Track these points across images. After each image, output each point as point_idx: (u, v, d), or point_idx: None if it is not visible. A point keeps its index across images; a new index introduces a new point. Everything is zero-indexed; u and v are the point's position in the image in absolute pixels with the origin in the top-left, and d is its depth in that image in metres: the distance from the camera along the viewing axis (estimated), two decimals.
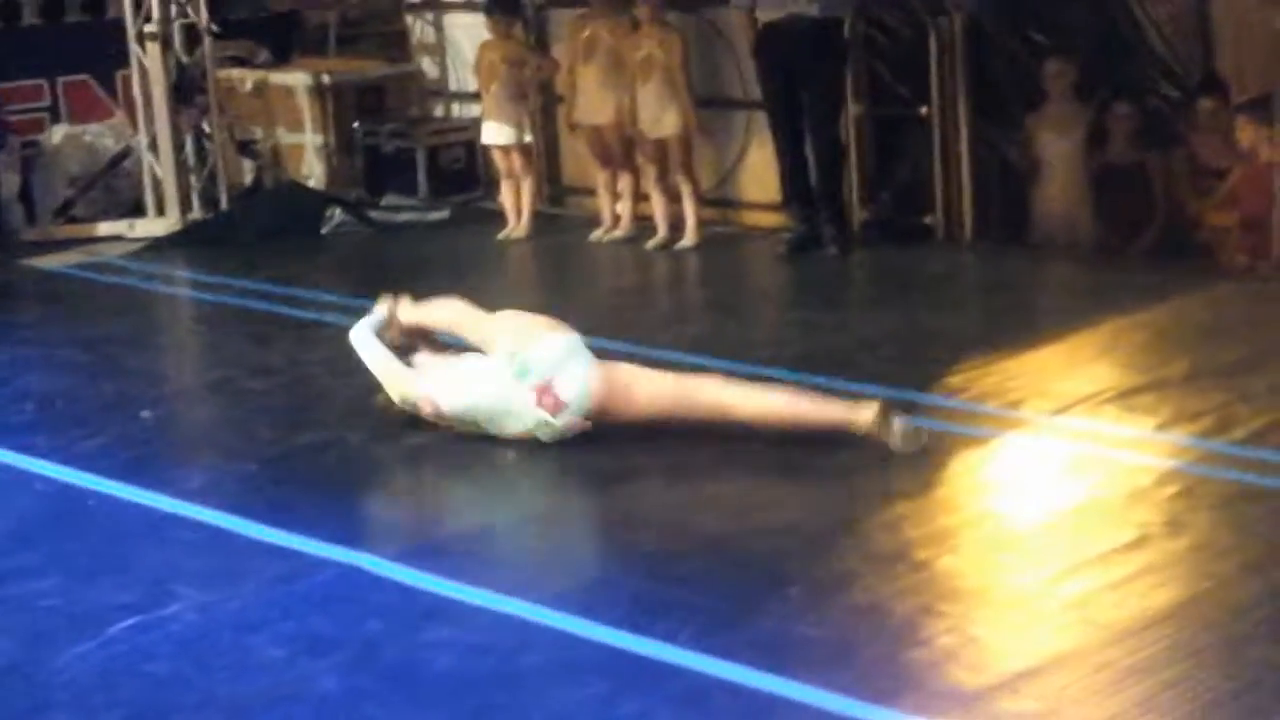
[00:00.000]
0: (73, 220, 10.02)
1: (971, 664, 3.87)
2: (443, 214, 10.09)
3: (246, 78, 10.70)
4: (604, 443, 5.65)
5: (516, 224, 9.42)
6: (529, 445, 5.47)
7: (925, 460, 5.30)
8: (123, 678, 3.99)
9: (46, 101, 10.55)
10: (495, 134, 9.34)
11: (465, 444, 5.62)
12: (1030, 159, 8.44)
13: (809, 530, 4.76)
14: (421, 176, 10.29)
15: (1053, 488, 5.04)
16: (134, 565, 4.77)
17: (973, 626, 4.09)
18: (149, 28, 9.64)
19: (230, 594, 4.47)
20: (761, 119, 8.87)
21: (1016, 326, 6.94)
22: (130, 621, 4.30)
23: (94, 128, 10.36)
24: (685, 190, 8.84)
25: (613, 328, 7.16)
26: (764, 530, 4.77)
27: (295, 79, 10.62)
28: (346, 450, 5.68)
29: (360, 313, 7.43)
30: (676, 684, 3.82)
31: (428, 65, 11.01)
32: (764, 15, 8.33)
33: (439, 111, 10.99)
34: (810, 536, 4.71)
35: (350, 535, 4.79)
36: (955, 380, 6.13)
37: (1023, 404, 5.81)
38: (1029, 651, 3.91)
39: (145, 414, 6.20)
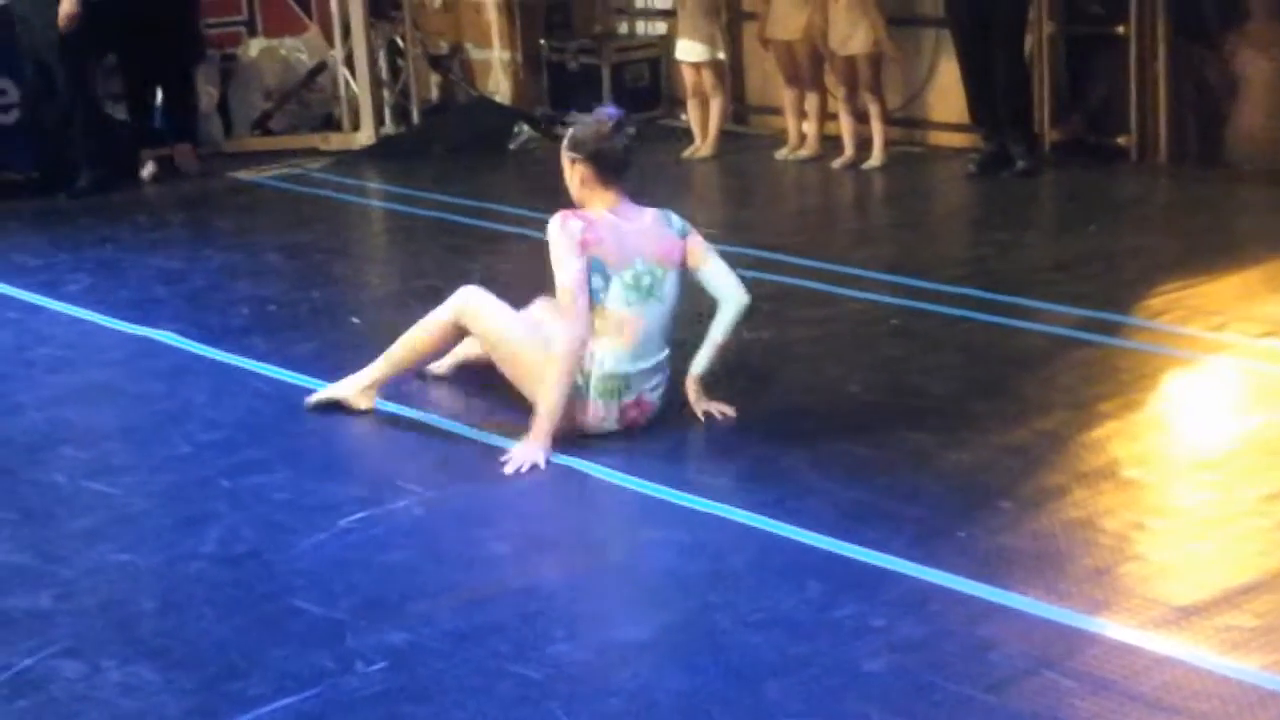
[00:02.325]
0: (269, 133, 10.30)
1: (1187, 579, 3.90)
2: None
3: None
4: (802, 359, 5.75)
5: (702, 142, 9.49)
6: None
7: (1130, 381, 5.31)
8: (357, 566, 4.17)
9: (243, 15, 10.80)
10: (688, 50, 9.40)
11: None
12: (1229, 78, 8.29)
13: (1015, 446, 4.80)
14: (606, 93, 10.38)
15: (1260, 410, 5.01)
16: (358, 462, 4.97)
17: (1186, 543, 4.11)
18: None
19: (453, 492, 4.63)
20: (949, 37, 8.81)
21: (1215, 249, 6.87)
22: (360, 515, 4.48)
23: (289, 42, 10.60)
24: (873, 109, 8.84)
25: (802, 247, 7.23)
26: (969, 445, 4.82)
27: None
28: None
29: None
30: (893, 588, 3.90)
31: None
32: None
33: (624, 29, 11.07)
34: (1017, 453, 4.75)
35: (562, 441, 4.91)
36: (1156, 302, 6.10)
37: (1226, 327, 5.78)
38: (1245, 569, 3.93)
39: (355, 320, 6.42)
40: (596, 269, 4.89)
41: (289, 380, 5.66)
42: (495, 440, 4.97)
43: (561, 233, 4.91)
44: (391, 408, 5.30)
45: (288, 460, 4.93)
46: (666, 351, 5.04)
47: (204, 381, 5.74)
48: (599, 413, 4.93)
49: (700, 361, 5.09)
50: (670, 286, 4.98)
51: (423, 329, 5.19)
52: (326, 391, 5.31)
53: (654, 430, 5.05)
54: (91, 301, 6.77)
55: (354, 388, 5.26)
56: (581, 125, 5.06)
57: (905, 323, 6.11)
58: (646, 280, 4.93)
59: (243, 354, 5.96)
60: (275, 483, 4.75)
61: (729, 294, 5.05)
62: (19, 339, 6.33)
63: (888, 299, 6.39)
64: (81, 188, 8.87)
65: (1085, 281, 6.45)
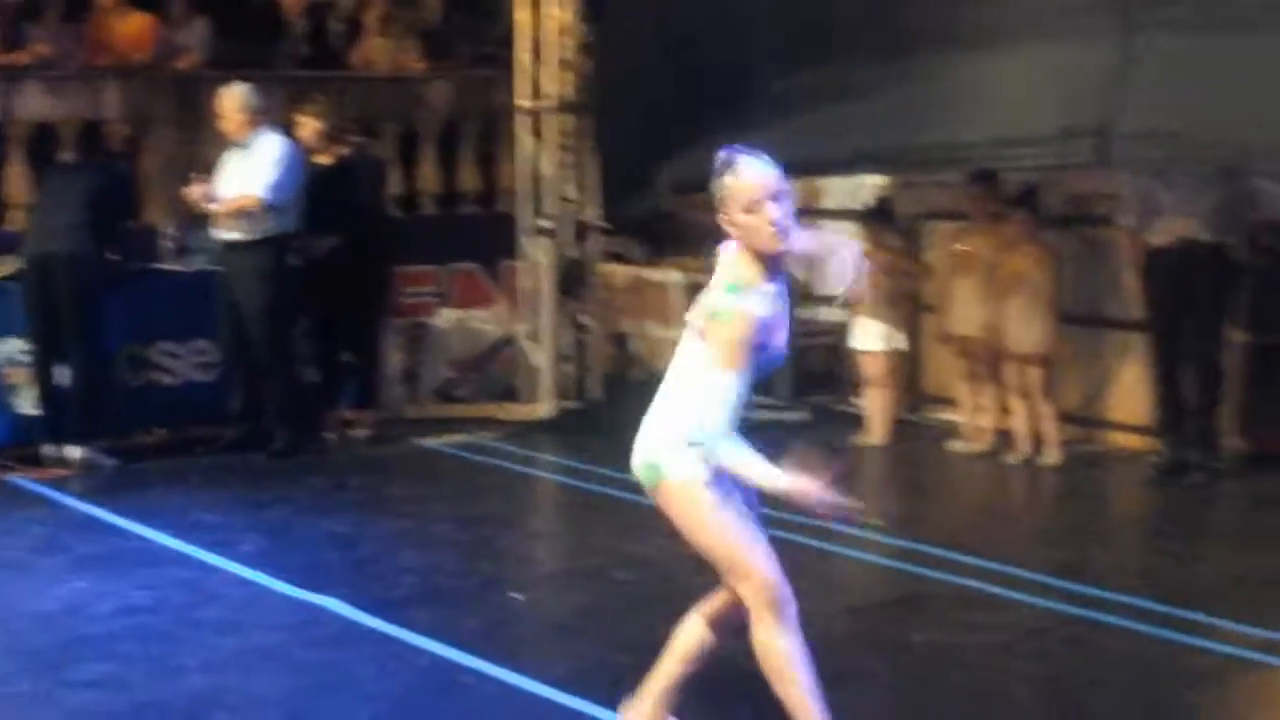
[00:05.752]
0: (450, 400, 10.54)
1: None
2: (801, 415, 10.22)
3: (619, 272, 11.11)
4: (969, 667, 5.61)
5: (876, 429, 9.48)
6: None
7: None
8: None
9: (436, 287, 11.14)
10: (867, 338, 9.48)
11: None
12: None
13: None
14: (784, 376, 10.44)
15: None
16: None
17: None
18: (543, 223, 10.19)
19: None
20: (1134, 339, 8.78)
21: None
22: None
23: (478, 314, 10.89)
24: (1044, 409, 8.79)
25: (974, 544, 7.11)
26: None
27: (669, 276, 11.00)
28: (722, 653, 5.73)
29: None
30: None
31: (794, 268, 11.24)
32: (1154, 239, 8.27)
33: (805, 314, 11.19)
34: None
35: None
36: None
37: None
38: None
39: (517, 596, 6.43)
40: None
41: (449, 657, 5.66)
42: None
43: (749, 317, 4.11)
44: (544, 690, 5.25)
45: None
46: None
47: (366, 652, 5.76)
48: None
49: None
50: None
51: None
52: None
53: None
54: (263, 563, 6.88)
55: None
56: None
57: (1076, 632, 5.95)
58: None
59: (405, 626, 5.98)
60: None
61: None
62: (190, 598, 6.43)
63: (1060, 606, 6.23)
64: (278, 449, 9.08)
65: (1266, 600, 6.23)
